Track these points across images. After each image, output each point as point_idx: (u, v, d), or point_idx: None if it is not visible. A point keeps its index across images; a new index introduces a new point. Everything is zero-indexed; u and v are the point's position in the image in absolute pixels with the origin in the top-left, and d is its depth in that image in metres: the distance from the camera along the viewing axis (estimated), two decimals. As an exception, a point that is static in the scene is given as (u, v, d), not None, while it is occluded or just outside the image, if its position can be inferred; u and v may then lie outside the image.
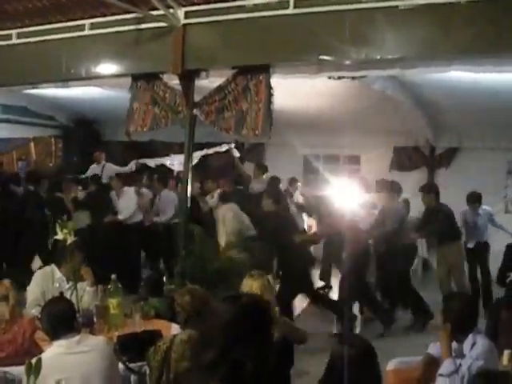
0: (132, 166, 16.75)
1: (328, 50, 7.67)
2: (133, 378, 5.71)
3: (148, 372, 5.46)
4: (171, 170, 16.05)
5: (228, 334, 3.27)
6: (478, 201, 11.76)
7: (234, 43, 8.48)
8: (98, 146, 19.38)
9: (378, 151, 16.18)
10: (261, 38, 8.22)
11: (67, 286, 7.12)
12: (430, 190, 11.37)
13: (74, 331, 5.13)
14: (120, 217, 12.91)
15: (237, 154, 14.87)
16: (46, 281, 7.29)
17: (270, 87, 8.26)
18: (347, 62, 7.87)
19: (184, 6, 8.60)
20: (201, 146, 17.16)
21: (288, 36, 8.02)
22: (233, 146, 14.78)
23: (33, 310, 6.83)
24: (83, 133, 19.86)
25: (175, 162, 15.49)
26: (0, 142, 19.88)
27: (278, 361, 5.86)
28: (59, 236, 6.71)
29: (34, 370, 2.82)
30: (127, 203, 13.10)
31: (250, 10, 8.17)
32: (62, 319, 5.09)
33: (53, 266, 7.46)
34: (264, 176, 14.23)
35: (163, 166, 16.44)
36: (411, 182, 14.60)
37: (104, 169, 16.37)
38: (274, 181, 13.48)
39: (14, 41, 10.47)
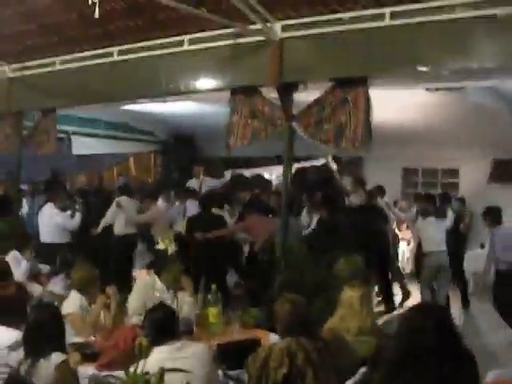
0: (227, 176, 16.97)
1: (425, 60, 7.60)
2: (231, 384, 5.80)
3: (247, 379, 5.51)
4: (269, 181, 16.16)
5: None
6: None
7: (330, 56, 8.47)
8: (196, 162, 19.69)
9: (476, 164, 15.96)
10: (357, 51, 8.19)
11: (167, 295, 7.29)
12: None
13: (176, 338, 5.25)
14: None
15: (334, 167, 14.81)
16: (147, 291, 7.45)
17: (368, 99, 8.21)
18: (444, 73, 7.77)
19: (281, 19, 8.66)
20: (298, 160, 17.33)
21: (384, 48, 7.97)
22: (330, 159, 14.73)
23: (133, 319, 7.01)
24: (182, 148, 20.08)
25: (273, 174, 15.58)
26: (102, 158, 20.39)
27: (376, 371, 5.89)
28: (160, 246, 6.86)
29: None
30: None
31: (346, 23, 8.16)
32: (164, 326, 5.21)
33: (154, 275, 7.63)
34: (362, 190, 14.15)
35: (259, 176, 16.52)
36: (510, 195, 14.36)
37: (202, 183, 16.64)
38: (374, 193, 13.39)
39: (115, 58, 10.71)
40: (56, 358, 5.19)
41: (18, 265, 9.66)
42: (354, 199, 13.83)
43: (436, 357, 3.26)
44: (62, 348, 5.43)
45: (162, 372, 2.39)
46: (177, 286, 7.07)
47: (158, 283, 7.52)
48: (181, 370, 4.59)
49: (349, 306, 6.08)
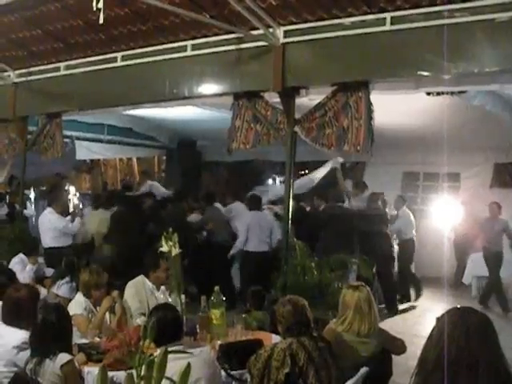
0: None
1: (426, 65, 7.65)
2: (234, 384, 5.87)
3: (249, 379, 5.58)
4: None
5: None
6: None
7: (332, 60, 8.52)
8: (200, 167, 19.82)
9: (478, 168, 16.02)
10: (359, 55, 8.24)
11: (157, 294, 7.45)
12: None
13: (179, 339, 5.31)
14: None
15: (339, 170, 14.88)
16: (138, 290, 7.63)
17: (369, 103, 8.26)
18: (445, 77, 7.83)
19: (283, 25, 8.72)
20: (302, 165, 17.45)
21: (386, 52, 8.04)
22: (339, 164, 14.77)
23: (137, 320, 7.11)
24: (185, 153, 20.15)
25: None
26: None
27: (378, 371, 5.97)
28: (164, 248, 6.92)
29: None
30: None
31: (347, 28, 8.21)
32: (168, 326, 5.26)
33: (142, 276, 7.82)
34: (364, 193, 14.22)
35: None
36: (512, 199, 14.43)
37: None
38: (375, 197, 13.46)
39: (119, 63, 10.76)
40: (62, 358, 5.27)
41: (24, 268, 9.76)
42: (356, 202, 13.90)
43: (474, 366, 3.21)
44: (68, 348, 5.51)
45: (166, 352, 2.44)
46: (180, 288, 7.12)
47: (147, 282, 7.68)
48: (184, 352, 4.63)
49: (356, 307, 6.12)
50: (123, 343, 5.95)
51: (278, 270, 8.79)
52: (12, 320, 5.88)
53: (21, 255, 10.18)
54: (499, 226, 13.39)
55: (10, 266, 9.63)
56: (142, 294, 7.60)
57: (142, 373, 2.37)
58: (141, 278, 7.84)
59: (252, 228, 12.60)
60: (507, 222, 13.39)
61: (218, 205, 14.85)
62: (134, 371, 2.49)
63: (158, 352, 2.56)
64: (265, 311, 7.84)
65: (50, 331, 5.38)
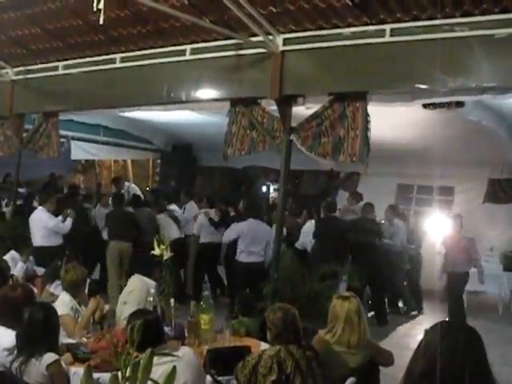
0: None
1: (424, 78, 7.68)
2: (220, 390, 5.85)
3: (235, 385, 5.58)
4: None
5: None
6: None
7: (330, 70, 8.55)
8: (195, 171, 19.86)
9: (472, 183, 16.04)
10: (357, 66, 8.27)
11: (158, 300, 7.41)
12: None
13: (161, 343, 5.25)
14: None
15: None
16: (142, 296, 7.56)
17: (366, 114, 8.28)
18: (443, 90, 7.84)
19: (282, 32, 8.74)
20: (297, 173, 17.48)
21: (384, 64, 8.06)
22: None
23: (125, 322, 7.09)
24: (180, 157, 20.15)
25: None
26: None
27: (365, 383, 5.97)
28: (156, 251, 6.92)
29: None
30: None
31: (347, 38, 8.24)
32: (147, 332, 5.21)
33: (148, 280, 7.72)
34: (358, 204, 14.22)
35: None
36: (505, 215, 14.43)
37: None
38: (368, 208, 13.43)
39: (118, 65, 10.79)
40: (48, 357, 5.24)
41: (15, 265, 9.73)
42: (349, 213, 13.90)
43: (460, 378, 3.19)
44: (54, 348, 5.47)
45: (152, 354, 2.43)
46: (171, 292, 7.11)
47: (152, 290, 7.60)
48: (168, 355, 4.60)
49: (346, 318, 6.10)
50: (110, 344, 5.94)
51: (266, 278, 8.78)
52: (6, 320, 5.80)
53: (12, 252, 10.15)
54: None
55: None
56: (143, 299, 7.54)
57: (127, 374, 2.36)
58: (145, 283, 7.79)
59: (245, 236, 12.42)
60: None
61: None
62: (119, 372, 2.48)
63: (143, 354, 2.55)
64: (253, 318, 7.81)
65: (36, 330, 5.34)
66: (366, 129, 8.29)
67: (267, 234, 12.03)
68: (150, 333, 4.99)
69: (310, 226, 13.14)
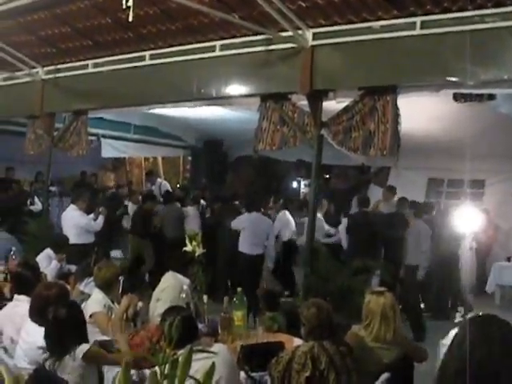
0: None
1: (455, 70, 7.57)
2: (254, 386, 5.84)
3: (269, 382, 5.56)
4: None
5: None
6: None
7: (361, 64, 8.47)
8: (225, 167, 19.88)
9: (503, 176, 15.90)
10: (388, 59, 8.20)
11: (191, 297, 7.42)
12: None
13: (195, 340, 5.24)
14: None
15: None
16: (175, 294, 7.57)
17: (396, 108, 8.20)
18: (474, 83, 7.75)
19: (312, 27, 8.68)
20: (327, 168, 17.45)
21: (415, 57, 7.98)
22: None
23: (159, 319, 7.08)
24: (211, 153, 20.18)
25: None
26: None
27: (399, 378, 5.93)
28: (188, 248, 6.92)
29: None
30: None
31: (377, 32, 8.17)
32: (183, 328, 5.22)
33: (181, 277, 7.73)
34: (394, 198, 14.13)
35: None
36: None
37: None
38: (403, 202, 13.32)
39: (147, 62, 10.79)
40: (82, 349, 5.28)
41: (49, 263, 9.78)
42: (384, 207, 13.82)
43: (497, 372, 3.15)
44: (84, 342, 5.49)
45: (191, 351, 2.42)
46: (203, 288, 7.12)
47: (185, 286, 7.61)
48: (206, 351, 4.60)
49: (382, 314, 6.05)
50: (144, 341, 5.95)
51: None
52: (40, 318, 5.82)
53: (48, 251, 10.20)
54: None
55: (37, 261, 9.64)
56: (176, 297, 7.55)
57: (166, 371, 2.36)
58: (179, 280, 7.81)
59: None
60: None
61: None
62: (157, 369, 2.48)
63: (181, 351, 2.54)
64: (285, 313, 7.78)
65: (63, 329, 5.34)
66: (396, 122, 8.21)
67: (268, 227, 12.82)
68: (185, 329, 5.01)
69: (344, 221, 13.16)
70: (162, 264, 12.11)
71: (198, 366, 2.52)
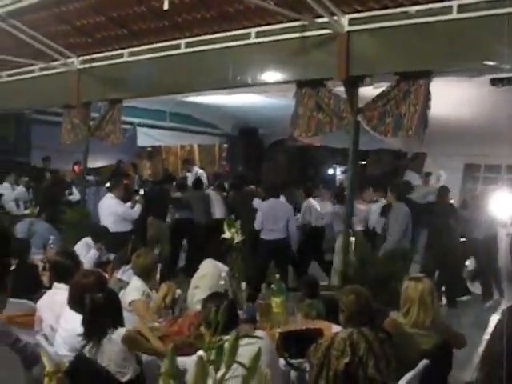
0: None
1: (492, 54, 7.49)
2: (293, 373, 5.85)
3: (308, 368, 5.56)
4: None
5: None
6: None
7: (396, 49, 8.44)
8: (261, 155, 19.87)
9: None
10: (424, 44, 8.15)
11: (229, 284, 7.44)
12: None
13: (236, 326, 5.26)
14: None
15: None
16: (214, 281, 7.59)
17: (428, 91, 8.14)
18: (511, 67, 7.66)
19: (347, 13, 8.65)
20: (364, 154, 17.38)
21: (451, 41, 7.92)
22: None
23: (198, 306, 7.12)
24: (246, 141, 20.19)
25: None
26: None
27: (438, 365, 5.90)
28: (227, 235, 6.94)
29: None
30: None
31: (412, 16, 8.12)
32: (225, 314, 5.23)
33: (220, 264, 7.75)
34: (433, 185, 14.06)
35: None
36: None
37: None
38: (444, 191, 13.23)
39: (182, 50, 10.81)
40: (120, 332, 5.35)
41: (88, 252, 9.86)
42: (427, 194, 13.76)
43: None
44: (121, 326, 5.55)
45: (238, 337, 2.44)
46: (241, 275, 7.15)
47: (223, 273, 7.63)
48: (251, 336, 4.61)
49: (420, 300, 6.02)
50: (183, 328, 5.99)
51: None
52: (78, 306, 5.87)
53: (87, 239, 10.28)
54: None
55: (75, 249, 9.73)
56: (215, 284, 7.58)
57: (212, 357, 2.38)
58: (217, 268, 7.84)
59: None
60: None
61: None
62: (201, 353, 2.50)
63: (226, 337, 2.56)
64: (324, 300, 7.78)
65: (100, 314, 5.40)
66: (426, 106, 8.16)
67: (287, 211, 12.66)
68: (230, 316, 5.05)
69: (378, 206, 13.07)
70: (196, 251, 12.23)
71: (242, 351, 2.52)
